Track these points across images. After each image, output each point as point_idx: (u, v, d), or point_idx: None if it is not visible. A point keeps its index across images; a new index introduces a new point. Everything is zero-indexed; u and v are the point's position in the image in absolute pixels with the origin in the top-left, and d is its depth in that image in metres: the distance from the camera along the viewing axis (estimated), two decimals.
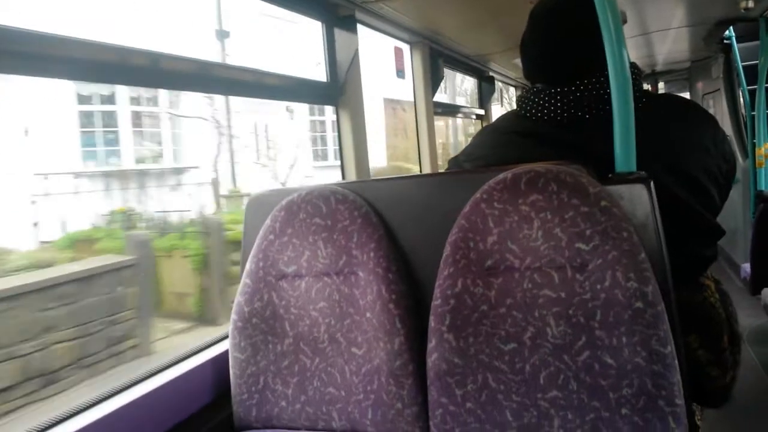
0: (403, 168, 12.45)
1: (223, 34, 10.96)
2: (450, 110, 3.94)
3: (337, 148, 2.33)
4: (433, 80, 3.20)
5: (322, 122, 14.38)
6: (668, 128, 1.28)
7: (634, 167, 1.15)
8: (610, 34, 1.14)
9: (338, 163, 2.34)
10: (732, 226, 4.92)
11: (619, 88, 1.14)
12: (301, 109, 13.28)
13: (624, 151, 1.15)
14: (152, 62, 1.42)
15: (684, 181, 1.24)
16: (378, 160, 12.59)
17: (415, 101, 3.16)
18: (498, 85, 4.69)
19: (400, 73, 3.04)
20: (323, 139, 14.46)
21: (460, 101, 13.79)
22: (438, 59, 3.25)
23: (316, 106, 13.58)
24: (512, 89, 5.66)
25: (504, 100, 15.83)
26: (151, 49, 1.42)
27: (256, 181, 10.85)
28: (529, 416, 1.11)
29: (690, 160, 1.25)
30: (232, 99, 11.14)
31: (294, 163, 12.16)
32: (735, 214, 4.83)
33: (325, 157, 14.33)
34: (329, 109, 13.36)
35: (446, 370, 1.16)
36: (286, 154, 12.09)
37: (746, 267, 3.40)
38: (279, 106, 12.12)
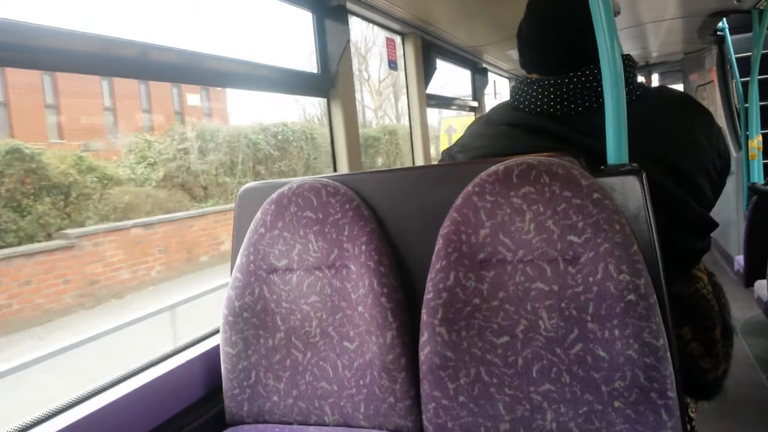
0: None
1: None
2: (443, 102, 3.92)
3: None
4: (426, 72, 3.18)
5: None
6: (662, 122, 1.27)
7: (626, 160, 1.15)
8: (601, 26, 1.13)
9: None
10: (725, 219, 4.94)
11: (611, 80, 1.13)
12: None
13: (616, 144, 1.14)
14: (141, 53, 1.41)
15: (676, 175, 1.23)
16: None
17: (407, 93, 3.14)
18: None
19: (393, 64, 3.02)
20: None
21: None
22: (430, 50, 3.24)
23: None
24: None
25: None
26: (141, 41, 1.40)
27: None
28: (522, 409, 1.11)
29: (683, 154, 1.24)
30: None
31: None
32: (728, 206, 4.85)
33: None
34: None
35: (439, 363, 1.15)
36: None
37: (739, 259, 3.41)
38: None
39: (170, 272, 9.46)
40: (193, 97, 14.98)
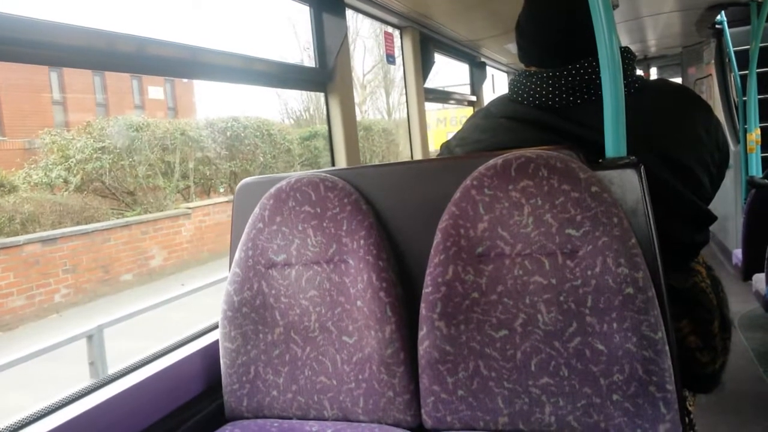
0: None
1: None
2: (441, 96, 3.92)
3: None
4: (424, 66, 3.18)
5: None
6: (661, 115, 1.27)
7: (624, 152, 1.14)
8: (600, 19, 1.13)
9: None
10: (724, 212, 4.94)
11: (610, 72, 1.13)
12: None
13: (614, 137, 1.14)
14: (139, 48, 1.40)
15: (675, 168, 1.23)
16: None
17: (405, 87, 3.14)
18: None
19: (390, 58, 3.01)
20: None
21: None
22: (429, 44, 3.23)
23: None
24: None
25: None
26: (138, 35, 1.40)
27: None
28: (521, 403, 1.11)
29: (681, 147, 1.24)
30: None
31: None
32: (727, 199, 4.85)
33: None
34: None
35: (438, 357, 1.15)
36: None
37: (738, 253, 3.42)
38: None
39: (80, 296, 7.92)
40: (156, 90, 13.53)
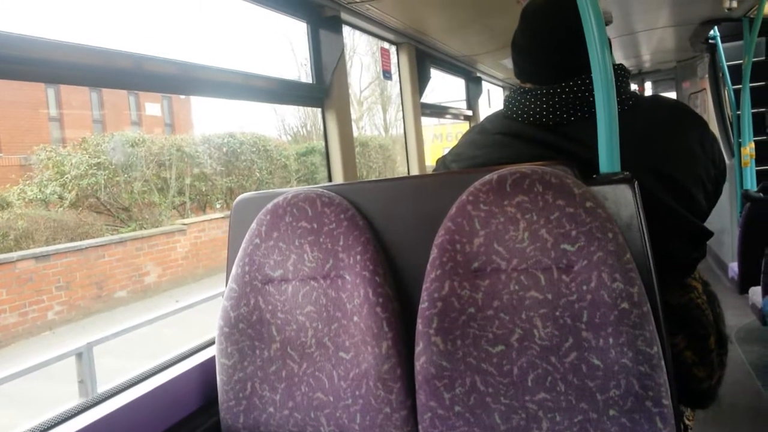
0: None
1: None
2: (437, 111, 3.94)
3: None
4: (420, 81, 3.20)
5: None
6: (655, 131, 1.27)
7: (618, 168, 1.15)
8: (592, 35, 1.14)
9: None
10: (719, 226, 4.96)
11: (603, 89, 1.14)
12: None
13: (608, 152, 1.15)
14: (136, 65, 1.42)
15: (669, 185, 1.24)
16: None
17: (402, 102, 3.16)
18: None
19: (387, 74, 3.03)
20: None
21: None
22: (425, 60, 3.26)
23: None
24: None
25: None
26: (135, 52, 1.41)
27: None
28: (518, 419, 1.11)
29: (675, 164, 1.25)
30: None
31: None
32: (722, 213, 4.87)
33: None
34: None
35: (434, 373, 1.15)
36: None
37: (734, 266, 3.43)
38: None
39: (74, 313, 7.88)
40: (153, 106, 13.46)
